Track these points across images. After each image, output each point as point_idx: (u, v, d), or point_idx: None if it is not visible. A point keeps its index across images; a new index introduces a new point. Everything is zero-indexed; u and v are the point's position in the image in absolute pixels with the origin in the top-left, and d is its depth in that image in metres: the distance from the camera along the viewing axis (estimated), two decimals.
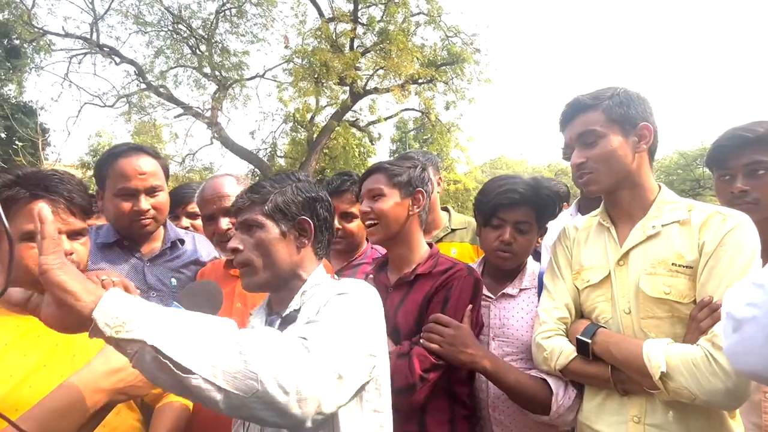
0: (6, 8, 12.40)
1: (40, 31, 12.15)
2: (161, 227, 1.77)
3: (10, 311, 1.13)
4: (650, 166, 1.32)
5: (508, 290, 1.54)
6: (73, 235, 1.16)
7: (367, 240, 2.03)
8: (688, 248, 1.19)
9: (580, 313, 1.37)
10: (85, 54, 12.49)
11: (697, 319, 1.13)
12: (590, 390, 1.31)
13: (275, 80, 13.34)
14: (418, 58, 12.09)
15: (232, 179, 1.70)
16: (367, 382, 0.98)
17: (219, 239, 1.65)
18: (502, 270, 1.57)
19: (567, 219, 2.09)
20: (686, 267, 1.18)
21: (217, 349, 0.71)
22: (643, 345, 1.14)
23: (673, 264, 1.19)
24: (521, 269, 1.59)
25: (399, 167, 1.50)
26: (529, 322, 1.47)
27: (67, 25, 12.63)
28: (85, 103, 12.74)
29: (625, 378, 1.20)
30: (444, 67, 12.60)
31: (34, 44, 12.73)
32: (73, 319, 0.69)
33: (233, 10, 12.83)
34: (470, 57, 12.36)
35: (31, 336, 1.12)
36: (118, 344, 0.69)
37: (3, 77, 13.29)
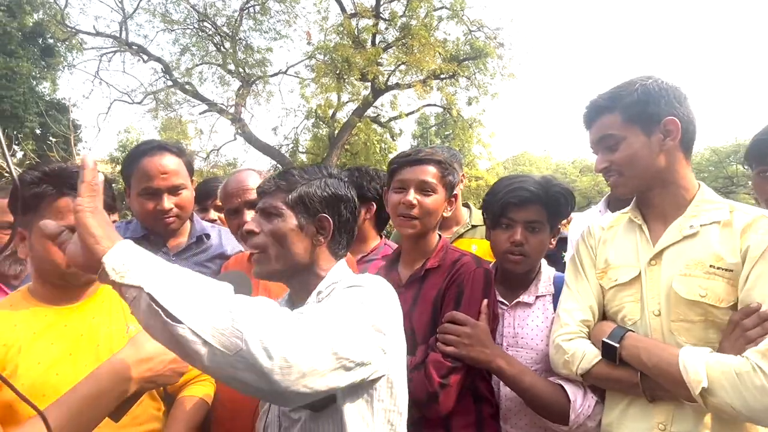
0: (41, 8, 12.89)
1: (73, 30, 12.57)
2: (188, 222, 1.80)
3: (39, 302, 1.18)
4: (687, 160, 1.23)
5: (524, 298, 1.46)
6: None
7: (380, 235, 2.01)
8: (728, 250, 1.12)
9: (603, 315, 1.30)
10: (115, 52, 12.87)
11: (743, 326, 1.04)
12: (612, 396, 1.24)
13: (297, 76, 13.48)
14: (440, 53, 11.99)
15: (255, 174, 1.71)
16: (377, 380, 0.96)
17: (244, 233, 1.66)
18: (515, 275, 1.49)
19: (596, 216, 2.03)
20: (725, 270, 1.11)
21: (208, 305, 0.73)
22: (679, 354, 1.06)
23: (711, 266, 1.12)
24: (536, 275, 1.50)
25: (450, 166, 1.45)
26: (545, 332, 1.40)
27: (97, 24, 13.09)
28: (115, 100, 13.16)
29: (654, 384, 1.13)
30: (466, 62, 12.47)
31: (66, 43, 13.19)
32: (90, 259, 0.74)
33: (257, 8, 12.98)
34: (493, 51, 12.19)
35: (58, 326, 1.16)
36: (120, 289, 0.73)
37: (38, 75, 13.80)
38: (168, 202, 1.61)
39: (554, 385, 1.28)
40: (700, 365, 1.03)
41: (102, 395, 0.83)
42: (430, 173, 1.40)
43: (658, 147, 1.19)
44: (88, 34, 12.65)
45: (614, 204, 2.01)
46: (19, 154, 12.20)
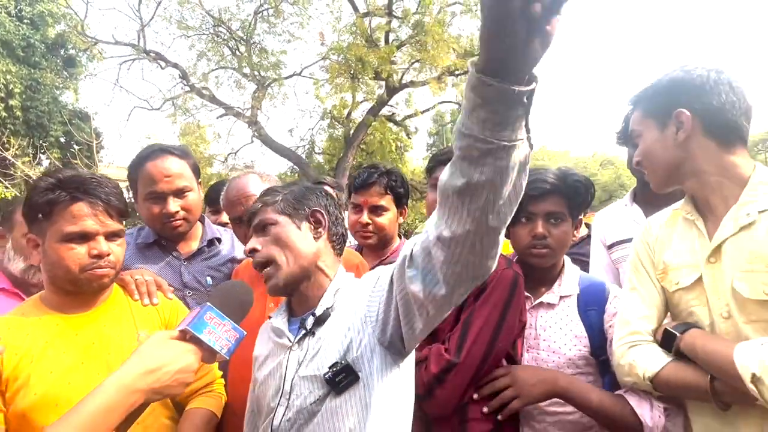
0: (62, 20, 13.22)
1: (93, 40, 12.84)
2: (199, 225, 1.79)
3: (50, 310, 1.17)
4: (724, 147, 1.12)
5: (547, 298, 1.40)
6: (111, 236, 1.19)
7: (400, 236, 1.97)
8: None
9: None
10: (134, 60, 13.10)
11: None
12: (694, 410, 1.14)
13: (312, 77, 13.51)
14: (454, 49, 11.86)
15: (256, 177, 1.65)
16: (405, 359, 1.04)
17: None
18: (538, 271, 1.43)
19: (620, 209, 1.94)
20: None
21: None
22: (735, 346, 0.99)
23: None
24: (560, 273, 1.44)
25: None
26: (569, 335, 1.35)
27: (116, 33, 13.41)
28: (135, 107, 13.47)
29: (723, 389, 1.02)
30: None
31: (87, 53, 13.50)
32: None
33: (270, 10, 13.05)
34: None
35: (70, 335, 1.15)
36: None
37: (61, 85, 14.15)
38: (174, 204, 1.59)
39: (619, 397, 1.21)
40: (752, 353, 0.94)
41: (112, 409, 0.81)
42: None
43: (672, 138, 1.15)
44: (108, 43, 12.91)
45: (640, 197, 1.91)
46: (45, 163, 12.55)
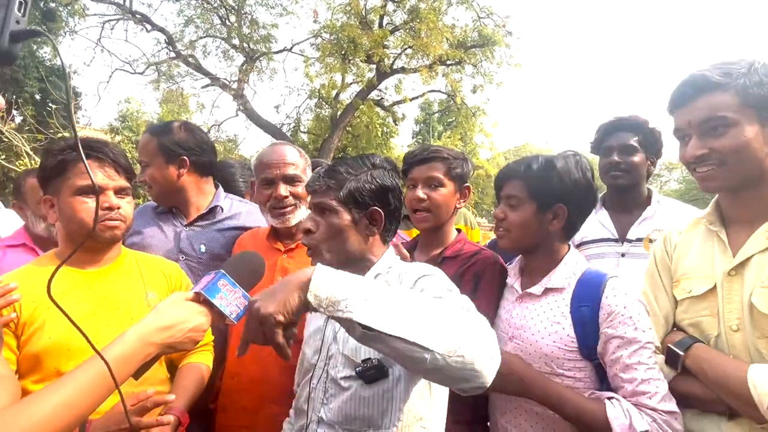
0: None
1: None
2: (210, 194, 1.87)
3: (65, 264, 1.24)
4: None
5: (532, 289, 1.32)
6: (119, 191, 1.30)
7: None
8: None
9: (674, 327, 1.22)
10: (118, 20, 12.64)
11: None
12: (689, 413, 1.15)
13: (302, 55, 13.30)
14: (447, 39, 11.86)
15: (295, 149, 1.68)
16: None
17: (275, 204, 1.59)
18: (532, 262, 1.38)
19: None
20: None
21: (419, 316, 0.80)
22: (748, 369, 0.99)
23: None
24: (556, 265, 1.33)
25: (456, 159, 1.55)
26: (549, 329, 1.24)
27: None
28: (116, 69, 13.00)
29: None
30: (473, 49, 12.35)
31: (69, 8, 12.93)
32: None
33: None
34: (501, 40, 12.05)
35: (84, 287, 1.24)
36: (332, 318, 0.81)
37: (39, 40, 13.55)
38: (140, 175, 1.81)
39: (594, 401, 1.14)
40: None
41: (130, 357, 0.90)
42: (435, 169, 1.53)
43: None
44: None
45: (609, 203, 2.04)
46: (18, 119, 12.09)
